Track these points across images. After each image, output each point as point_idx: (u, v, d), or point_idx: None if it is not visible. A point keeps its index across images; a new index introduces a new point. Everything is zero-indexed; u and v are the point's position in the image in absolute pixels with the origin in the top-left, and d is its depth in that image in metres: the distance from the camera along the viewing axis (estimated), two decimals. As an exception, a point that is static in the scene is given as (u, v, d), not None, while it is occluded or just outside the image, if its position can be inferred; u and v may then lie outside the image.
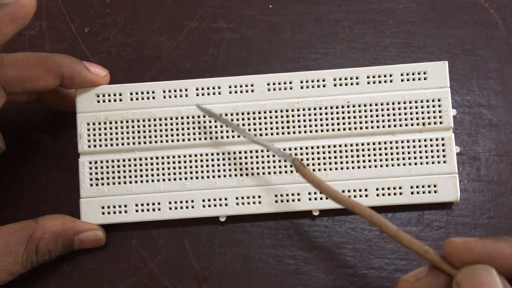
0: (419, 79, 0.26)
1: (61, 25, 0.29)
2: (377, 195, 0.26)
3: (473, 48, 0.28)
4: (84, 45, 0.29)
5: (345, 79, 0.26)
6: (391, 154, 0.26)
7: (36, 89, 0.24)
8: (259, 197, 0.26)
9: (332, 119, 0.26)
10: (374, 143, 0.26)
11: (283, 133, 0.26)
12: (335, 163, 0.26)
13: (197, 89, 0.27)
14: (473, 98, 0.28)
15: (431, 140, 0.26)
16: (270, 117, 0.26)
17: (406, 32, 0.29)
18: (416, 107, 0.26)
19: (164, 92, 0.27)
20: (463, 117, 0.28)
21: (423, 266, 0.21)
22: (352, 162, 0.26)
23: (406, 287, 0.20)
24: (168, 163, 0.26)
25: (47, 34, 0.29)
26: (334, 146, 0.26)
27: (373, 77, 0.26)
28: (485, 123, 0.28)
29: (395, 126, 0.26)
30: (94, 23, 0.29)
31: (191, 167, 0.26)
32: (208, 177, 0.26)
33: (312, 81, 0.26)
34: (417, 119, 0.26)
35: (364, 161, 0.26)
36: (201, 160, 0.26)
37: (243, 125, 0.26)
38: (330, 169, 0.26)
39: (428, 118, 0.26)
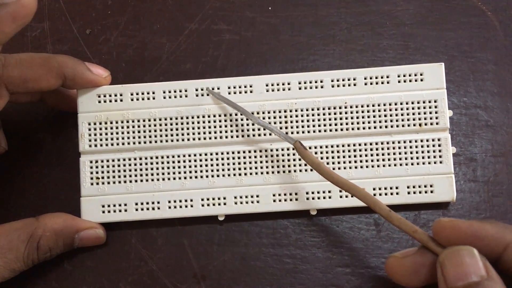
0: (415, 80, 0.27)
1: (63, 26, 0.30)
2: (374, 195, 0.26)
3: (470, 50, 0.29)
4: (85, 46, 0.29)
5: (343, 80, 0.27)
6: (388, 154, 0.26)
7: (39, 89, 0.25)
8: (257, 196, 0.26)
9: (329, 119, 0.27)
10: (371, 144, 0.26)
11: (281, 134, 0.27)
12: (333, 163, 0.26)
13: (196, 90, 0.27)
14: (469, 100, 0.28)
15: (427, 140, 0.26)
16: (269, 118, 0.27)
17: (404, 34, 0.29)
18: (413, 108, 0.26)
19: (164, 92, 0.27)
20: (459, 118, 0.28)
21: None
22: (350, 162, 0.26)
23: (393, 263, 0.22)
24: (168, 162, 0.27)
25: (49, 35, 0.30)
26: (332, 147, 0.27)
27: (370, 78, 0.27)
28: (481, 124, 0.28)
29: (392, 126, 0.26)
30: (96, 24, 0.30)
31: (190, 166, 0.27)
32: (207, 176, 0.27)
33: (310, 82, 0.27)
34: (413, 120, 0.26)
35: (361, 161, 0.26)
36: (200, 160, 0.27)
37: (242, 125, 0.27)
38: (328, 169, 0.26)
39: (425, 119, 0.26)
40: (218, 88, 0.27)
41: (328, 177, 0.23)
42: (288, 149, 0.27)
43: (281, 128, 0.27)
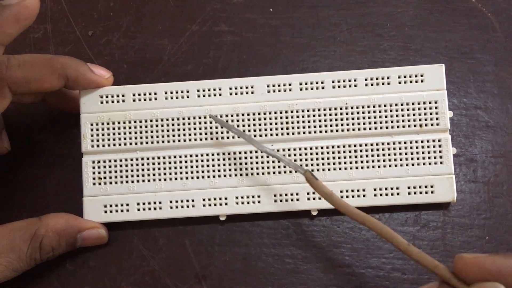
0: (416, 81, 0.27)
1: (65, 28, 0.30)
2: (375, 195, 0.26)
3: (470, 51, 0.29)
4: (87, 47, 0.30)
5: (344, 81, 0.27)
6: (389, 155, 0.26)
7: (42, 90, 0.25)
8: (258, 196, 0.27)
9: (330, 120, 0.27)
10: (372, 144, 0.27)
11: (282, 134, 0.27)
12: (334, 163, 0.27)
13: (198, 91, 0.27)
14: (470, 101, 0.28)
15: (428, 141, 0.26)
16: (270, 118, 0.27)
17: (404, 36, 0.29)
18: (413, 109, 0.27)
19: (166, 93, 0.27)
20: (460, 119, 0.28)
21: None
22: (350, 162, 0.27)
23: None
24: (170, 163, 0.27)
25: (51, 37, 0.30)
26: (333, 147, 0.27)
27: (371, 79, 0.27)
28: (481, 125, 0.28)
29: (392, 127, 0.27)
30: (98, 26, 0.30)
31: (192, 167, 0.27)
32: (208, 176, 0.27)
33: (311, 83, 0.27)
34: (414, 120, 0.27)
35: (362, 162, 0.27)
36: (202, 160, 0.27)
37: (243, 126, 0.27)
38: (329, 170, 0.27)
39: (425, 119, 0.27)
40: (220, 89, 0.27)
41: (341, 208, 0.23)
42: (289, 150, 0.27)
43: (282, 128, 0.27)
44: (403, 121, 0.27)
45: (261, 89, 0.27)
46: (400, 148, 0.26)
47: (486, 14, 0.29)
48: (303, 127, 0.27)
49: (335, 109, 0.27)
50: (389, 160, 0.26)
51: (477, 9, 0.29)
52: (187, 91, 0.27)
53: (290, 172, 0.27)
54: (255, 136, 0.27)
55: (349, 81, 0.27)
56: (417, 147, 0.26)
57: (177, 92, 0.27)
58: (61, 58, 0.25)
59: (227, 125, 0.26)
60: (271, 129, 0.27)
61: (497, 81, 0.28)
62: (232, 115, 0.27)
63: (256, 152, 0.27)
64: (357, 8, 0.29)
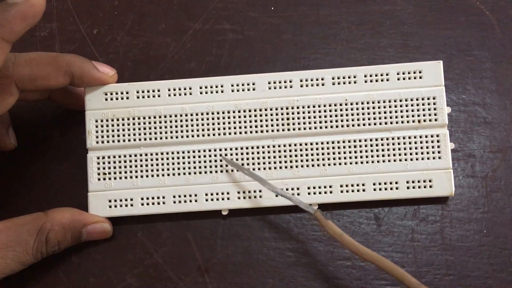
0: (414, 78, 0.27)
1: (70, 26, 0.30)
2: (374, 189, 0.27)
3: (468, 48, 0.29)
4: (92, 45, 0.30)
5: (343, 78, 0.27)
6: (388, 150, 0.27)
7: (47, 87, 0.25)
8: (260, 191, 0.27)
9: (330, 116, 0.27)
10: (371, 140, 0.27)
11: (283, 130, 0.27)
12: (334, 158, 0.27)
13: (200, 88, 0.28)
14: (468, 97, 0.29)
15: (426, 136, 0.27)
16: (271, 115, 0.27)
17: (404, 33, 0.29)
18: (412, 105, 0.27)
19: (169, 90, 0.28)
20: (458, 115, 0.28)
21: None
22: (350, 158, 0.27)
23: None
24: (173, 158, 0.27)
25: (57, 35, 0.30)
26: (333, 143, 0.27)
27: (370, 76, 0.27)
28: (480, 121, 0.28)
29: (391, 123, 0.27)
30: (103, 24, 0.30)
31: (194, 162, 0.27)
32: (211, 172, 0.27)
33: (311, 80, 0.27)
34: (412, 116, 0.27)
35: (361, 157, 0.27)
36: (204, 156, 0.27)
37: (245, 122, 0.27)
38: (329, 165, 0.27)
39: (424, 115, 0.27)
40: (222, 86, 0.28)
41: (352, 247, 0.24)
42: (290, 145, 0.27)
43: (283, 124, 0.27)
44: (402, 117, 0.27)
45: (263, 86, 0.27)
46: (399, 144, 0.27)
47: (484, 11, 0.29)
48: (304, 123, 0.27)
49: (335, 105, 0.27)
50: (388, 155, 0.27)
51: (475, 6, 0.30)
52: (190, 88, 0.28)
53: (291, 167, 0.27)
54: (256, 132, 0.27)
55: (349, 77, 0.27)
56: (415, 143, 0.27)
57: (180, 89, 0.28)
58: (67, 56, 0.26)
59: (237, 166, 0.27)
60: (272, 125, 0.27)
61: (495, 77, 0.29)
62: (234, 112, 0.27)
63: (257, 147, 0.27)
64: (357, 7, 0.30)
